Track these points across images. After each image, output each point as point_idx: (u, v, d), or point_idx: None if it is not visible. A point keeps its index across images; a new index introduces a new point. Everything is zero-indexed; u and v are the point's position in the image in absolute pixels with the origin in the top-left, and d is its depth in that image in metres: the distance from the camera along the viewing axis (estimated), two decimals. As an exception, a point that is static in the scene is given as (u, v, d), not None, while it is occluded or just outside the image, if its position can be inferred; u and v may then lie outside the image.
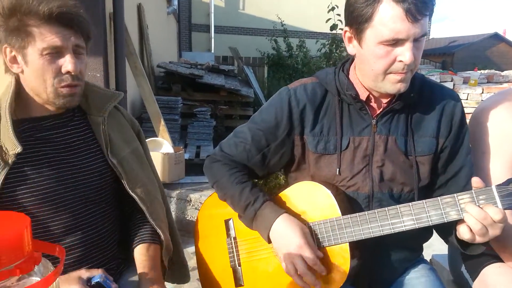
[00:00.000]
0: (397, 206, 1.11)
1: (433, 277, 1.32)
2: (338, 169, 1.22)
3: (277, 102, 1.28)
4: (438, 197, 1.08)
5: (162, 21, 8.29)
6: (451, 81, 6.77)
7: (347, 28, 1.17)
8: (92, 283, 1.08)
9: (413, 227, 1.10)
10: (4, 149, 1.09)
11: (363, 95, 1.22)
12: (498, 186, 1.02)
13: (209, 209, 1.42)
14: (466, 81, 6.79)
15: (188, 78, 5.80)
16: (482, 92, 6.38)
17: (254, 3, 14.31)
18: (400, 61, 1.08)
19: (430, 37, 19.21)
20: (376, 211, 1.13)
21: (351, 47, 1.19)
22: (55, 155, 1.18)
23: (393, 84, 1.12)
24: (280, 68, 11.18)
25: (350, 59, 1.28)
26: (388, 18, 1.04)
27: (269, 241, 1.21)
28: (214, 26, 13.76)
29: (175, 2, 9.43)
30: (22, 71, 1.14)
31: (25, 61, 1.12)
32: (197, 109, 5.47)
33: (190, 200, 3.47)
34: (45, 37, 1.08)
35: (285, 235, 1.15)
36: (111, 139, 1.28)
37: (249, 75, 7.90)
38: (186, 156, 4.25)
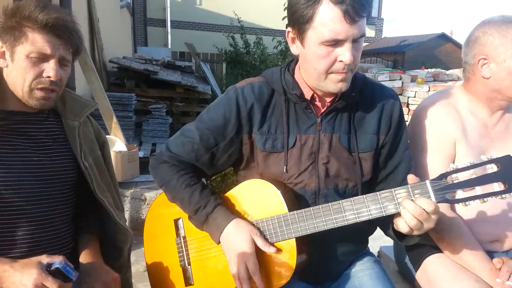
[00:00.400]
0: (340, 201, 1.15)
1: (377, 269, 1.37)
2: (285, 166, 1.24)
3: (225, 101, 1.28)
4: (377, 192, 1.13)
5: (115, 15, 8.02)
6: (400, 79, 7.07)
7: (289, 29, 1.19)
8: (52, 268, 1.06)
9: (354, 221, 1.14)
10: None
11: (307, 94, 1.25)
12: (431, 180, 1.08)
13: (158, 209, 1.40)
14: (414, 80, 7.12)
15: (142, 74, 5.67)
16: (429, 90, 6.71)
17: (211, -2, 14.19)
18: (341, 61, 1.11)
19: (383, 36, 19.90)
20: (320, 207, 1.16)
21: (295, 47, 1.21)
22: (25, 148, 1.24)
23: (335, 84, 1.15)
24: (238, 64, 11.19)
25: (295, 59, 1.30)
26: (328, 19, 1.06)
27: (219, 243, 1.22)
28: (171, 21, 13.50)
29: (129, -5, 9.16)
30: (7, 66, 1.21)
31: (12, 58, 1.19)
32: (152, 106, 5.36)
33: (145, 199, 3.40)
34: (36, 42, 1.17)
35: (235, 240, 1.18)
36: (84, 140, 1.36)
37: (206, 71, 7.84)
38: (141, 154, 4.16)
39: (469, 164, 1.05)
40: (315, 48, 1.11)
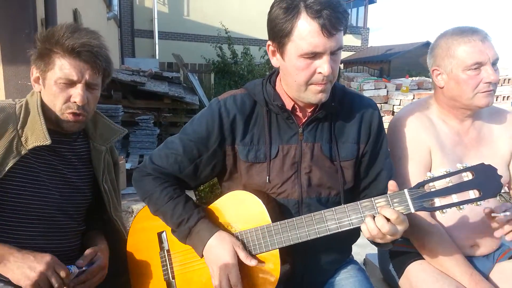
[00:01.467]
0: (322, 211, 1.17)
1: (361, 277, 1.39)
2: (268, 177, 1.26)
3: (208, 113, 1.30)
4: (358, 202, 1.15)
5: (102, 27, 8.00)
6: (385, 88, 7.17)
7: (270, 42, 1.22)
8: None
9: (336, 230, 1.15)
10: (22, 140, 1.23)
11: (289, 105, 1.27)
12: (410, 189, 1.10)
13: (142, 222, 1.40)
14: (398, 88, 7.23)
15: (129, 86, 5.65)
16: (413, 98, 6.81)
17: (199, 9, 14.26)
18: (319, 72, 1.14)
19: (369, 45, 20.17)
20: (303, 217, 1.18)
21: (275, 60, 1.24)
22: (55, 164, 1.32)
23: (315, 95, 1.18)
24: (225, 74, 11.23)
25: (276, 71, 1.32)
26: (306, 33, 1.10)
27: (202, 256, 1.23)
28: (158, 32, 13.51)
29: (116, 8, 9.16)
30: (41, 91, 1.29)
31: (44, 84, 1.27)
32: (139, 117, 5.34)
33: (132, 211, 3.37)
34: (63, 68, 1.23)
35: (217, 253, 1.19)
36: (105, 167, 1.43)
37: (194, 82, 7.85)
38: (128, 166, 4.13)
39: (445, 173, 1.08)
40: (294, 61, 1.14)
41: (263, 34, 1.27)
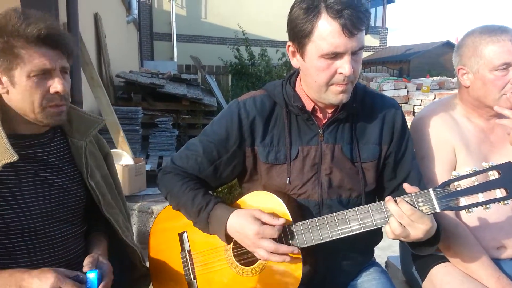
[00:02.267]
0: (344, 211, 1.15)
1: (384, 280, 1.36)
2: (288, 178, 1.25)
3: (227, 115, 1.30)
4: (381, 201, 1.13)
5: (122, 30, 8.16)
6: (405, 88, 7.07)
7: (290, 43, 1.21)
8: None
9: (359, 231, 1.14)
10: None
11: (309, 106, 1.26)
12: (434, 188, 1.08)
13: (163, 223, 1.41)
14: (419, 88, 7.11)
15: (149, 88, 5.73)
16: (435, 98, 6.69)
17: (216, 12, 14.36)
18: (340, 73, 1.12)
19: (387, 45, 19.93)
20: (325, 217, 1.17)
21: (295, 61, 1.23)
22: (35, 171, 1.20)
23: (336, 95, 1.17)
24: (243, 76, 11.27)
25: (296, 71, 1.32)
26: (327, 33, 1.08)
27: (228, 241, 1.21)
28: (176, 34, 13.68)
29: (135, 11, 9.31)
30: (8, 92, 1.13)
31: (12, 82, 1.11)
32: (159, 119, 5.40)
33: (152, 212, 3.41)
34: (33, 59, 1.09)
35: (240, 228, 1.16)
36: (89, 160, 1.31)
37: (212, 84, 7.90)
38: (148, 167, 4.18)
39: (471, 172, 1.05)
40: (315, 61, 1.13)
41: (280, 36, 1.27)
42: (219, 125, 1.30)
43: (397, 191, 1.33)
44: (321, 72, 1.14)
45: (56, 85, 1.14)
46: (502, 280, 1.32)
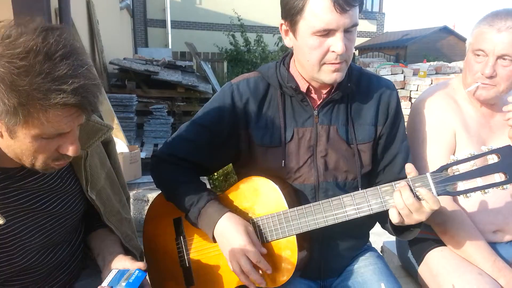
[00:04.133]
0: (340, 196, 1.14)
1: (380, 264, 1.36)
2: (283, 160, 1.23)
3: (220, 97, 1.27)
4: (377, 186, 1.11)
5: (115, 17, 8.03)
6: (402, 73, 7.03)
7: (282, 21, 1.19)
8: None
9: (355, 216, 1.12)
10: None
11: (303, 87, 1.24)
12: (432, 173, 1.06)
13: (157, 209, 1.39)
14: (416, 73, 7.08)
15: (143, 75, 5.67)
16: (431, 83, 6.67)
17: (211, -3, 14.18)
18: (333, 51, 1.10)
19: (384, 31, 19.81)
20: (320, 203, 1.15)
21: (288, 40, 1.21)
22: (29, 205, 1.06)
23: (329, 74, 1.15)
24: (239, 63, 11.19)
25: (290, 52, 1.29)
26: (318, 10, 1.06)
27: (214, 241, 1.20)
28: (171, 21, 13.52)
29: (128, -3, 9.17)
30: (1, 136, 0.90)
31: (11, 134, 0.88)
32: (153, 107, 5.37)
33: (148, 200, 3.40)
34: (49, 125, 0.86)
35: (229, 234, 1.16)
36: (91, 168, 1.18)
37: (207, 70, 7.83)
38: (143, 155, 4.16)
39: (469, 156, 1.03)
40: (307, 39, 1.11)
41: (276, 22, 1.23)
42: (212, 108, 1.28)
43: (382, 174, 1.32)
44: (313, 50, 1.11)
45: (68, 147, 0.94)
46: (498, 263, 1.32)
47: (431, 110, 1.44)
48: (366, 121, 1.26)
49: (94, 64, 4.50)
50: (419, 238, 1.51)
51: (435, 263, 1.43)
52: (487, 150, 1.03)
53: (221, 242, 1.18)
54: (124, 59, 6.28)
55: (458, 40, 18.35)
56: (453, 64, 8.23)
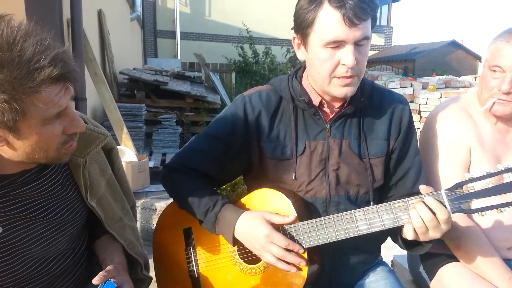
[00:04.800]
0: (352, 211, 1.12)
1: (392, 279, 1.34)
2: (294, 173, 1.23)
3: (233, 110, 1.28)
4: (390, 202, 1.10)
5: (126, 27, 8.14)
6: (411, 86, 7.01)
7: (295, 35, 1.20)
8: None
9: (367, 231, 1.11)
10: None
11: (315, 101, 1.24)
12: (446, 190, 1.05)
13: (167, 219, 1.39)
14: (425, 87, 7.05)
15: (152, 85, 5.72)
16: (441, 97, 6.63)
17: (220, 9, 14.33)
18: (343, 64, 1.10)
19: (392, 44, 19.84)
20: (332, 217, 1.14)
21: (300, 53, 1.22)
22: (28, 213, 1.05)
23: (339, 88, 1.15)
24: (247, 74, 11.23)
25: (303, 66, 1.30)
26: (328, 23, 1.07)
27: (234, 243, 1.18)
28: (180, 32, 13.66)
29: (139, 9, 9.30)
30: (6, 144, 0.91)
31: (18, 136, 0.90)
32: (162, 116, 5.40)
33: (155, 209, 3.40)
34: (46, 103, 0.87)
35: (251, 230, 1.14)
36: (90, 176, 1.17)
37: (216, 81, 7.88)
38: (151, 164, 4.17)
39: (485, 173, 1.02)
40: (318, 51, 1.12)
41: (284, 34, 1.25)
42: (224, 120, 1.28)
43: (394, 189, 1.31)
44: (324, 63, 1.12)
45: (72, 124, 0.96)
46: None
47: (446, 124, 1.43)
48: (378, 135, 1.26)
49: (104, 73, 4.55)
50: (432, 252, 1.49)
51: (448, 279, 1.40)
52: (503, 169, 1.01)
53: (245, 240, 1.16)
54: (134, 69, 6.35)
55: (466, 54, 18.33)
56: (462, 78, 8.20)
